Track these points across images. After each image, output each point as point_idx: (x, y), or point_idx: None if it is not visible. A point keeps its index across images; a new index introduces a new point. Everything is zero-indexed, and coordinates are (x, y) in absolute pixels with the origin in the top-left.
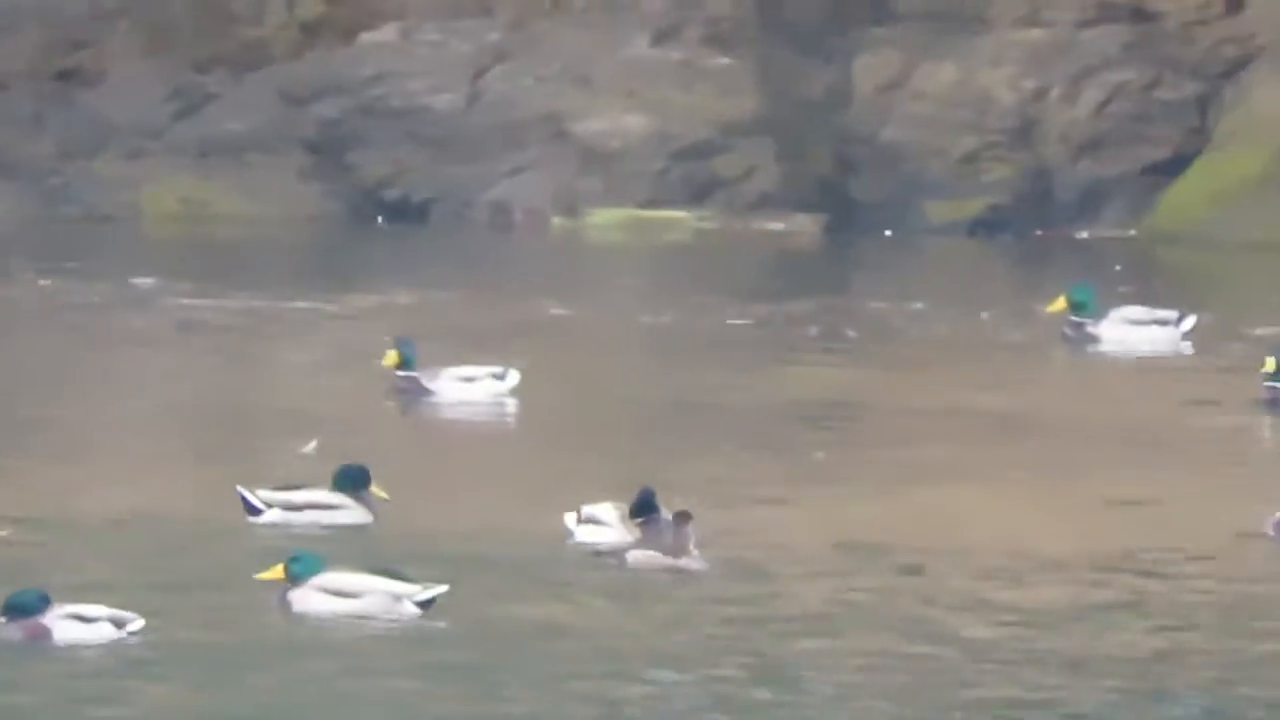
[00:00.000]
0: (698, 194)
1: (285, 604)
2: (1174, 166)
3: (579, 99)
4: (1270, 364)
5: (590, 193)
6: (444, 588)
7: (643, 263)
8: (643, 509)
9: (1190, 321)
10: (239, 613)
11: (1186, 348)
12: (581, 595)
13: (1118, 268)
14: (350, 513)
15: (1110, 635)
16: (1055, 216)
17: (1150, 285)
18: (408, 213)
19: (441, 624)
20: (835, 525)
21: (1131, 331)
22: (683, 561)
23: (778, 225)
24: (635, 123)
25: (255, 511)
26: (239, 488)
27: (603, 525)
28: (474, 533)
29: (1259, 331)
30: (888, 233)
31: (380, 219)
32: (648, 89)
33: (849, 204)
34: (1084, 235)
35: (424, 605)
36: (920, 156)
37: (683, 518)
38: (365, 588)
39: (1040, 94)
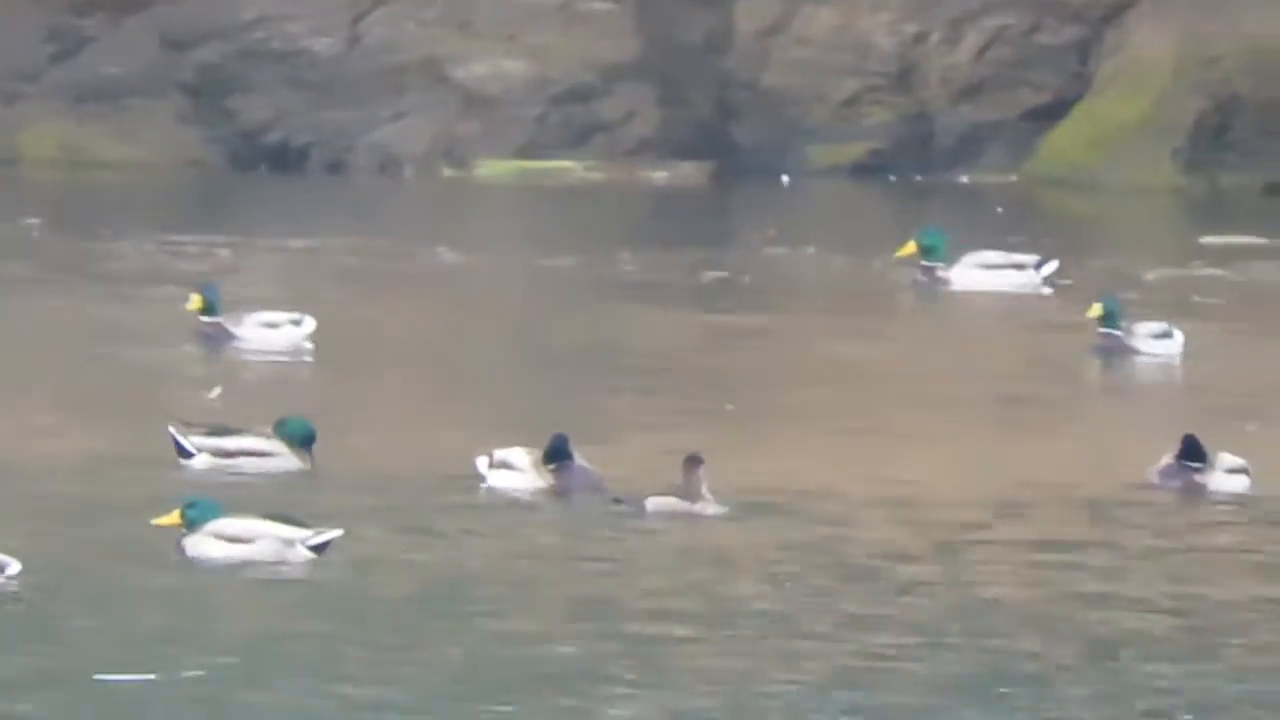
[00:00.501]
0: (578, 139)
1: (180, 550)
2: (1054, 111)
3: (459, 43)
4: (1096, 309)
5: (470, 138)
6: (338, 532)
7: (532, 210)
8: (555, 455)
9: (1052, 266)
10: (133, 558)
11: (1045, 291)
12: (491, 539)
13: (999, 210)
14: (284, 460)
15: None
16: (935, 161)
17: (1030, 229)
18: (287, 157)
19: (334, 562)
20: (742, 471)
21: (984, 276)
22: (698, 506)
23: (664, 173)
24: (515, 67)
25: (186, 455)
26: (171, 429)
27: (515, 470)
28: (395, 479)
29: (1150, 275)
30: (784, 178)
31: (263, 167)
32: (528, 33)
33: (730, 148)
34: (965, 179)
35: (317, 549)
36: (801, 101)
37: (693, 463)
38: (257, 533)
39: (920, 38)
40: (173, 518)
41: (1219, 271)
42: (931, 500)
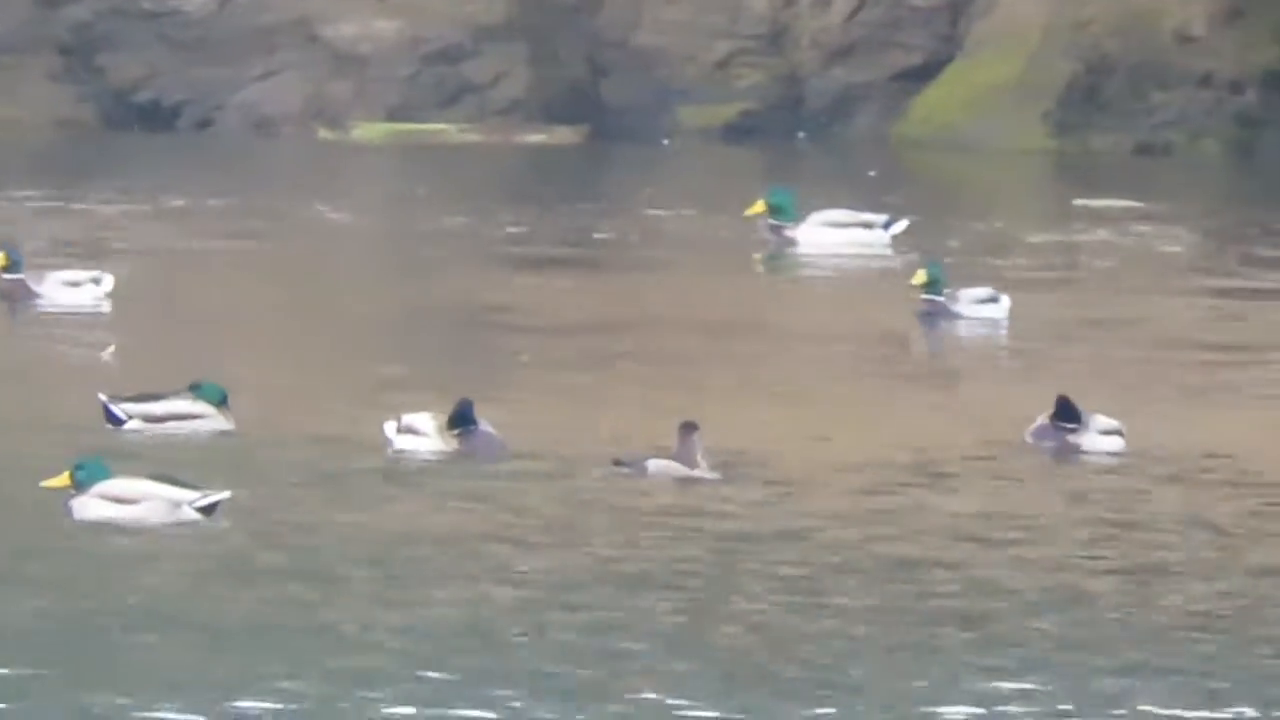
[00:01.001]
0: (449, 99)
1: (68, 510)
2: (926, 73)
3: (329, 3)
4: (920, 276)
5: (342, 98)
6: (226, 494)
7: (410, 171)
8: (460, 420)
9: (901, 225)
10: (18, 520)
11: (890, 251)
12: (398, 502)
13: (871, 173)
14: (212, 421)
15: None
16: (807, 122)
17: (904, 190)
18: (159, 116)
19: (226, 525)
20: (607, 430)
21: (831, 234)
22: (696, 472)
23: (540, 136)
24: (386, 27)
25: (117, 421)
26: (101, 397)
27: (420, 435)
28: (308, 439)
29: (1034, 238)
30: (665, 141)
31: (135, 125)
32: None
33: (601, 109)
34: (844, 138)
35: (205, 511)
36: (673, 62)
37: (688, 429)
38: (144, 494)
39: (792, 1)
40: (62, 479)
41: (1103, 234)
42: (821, 461)
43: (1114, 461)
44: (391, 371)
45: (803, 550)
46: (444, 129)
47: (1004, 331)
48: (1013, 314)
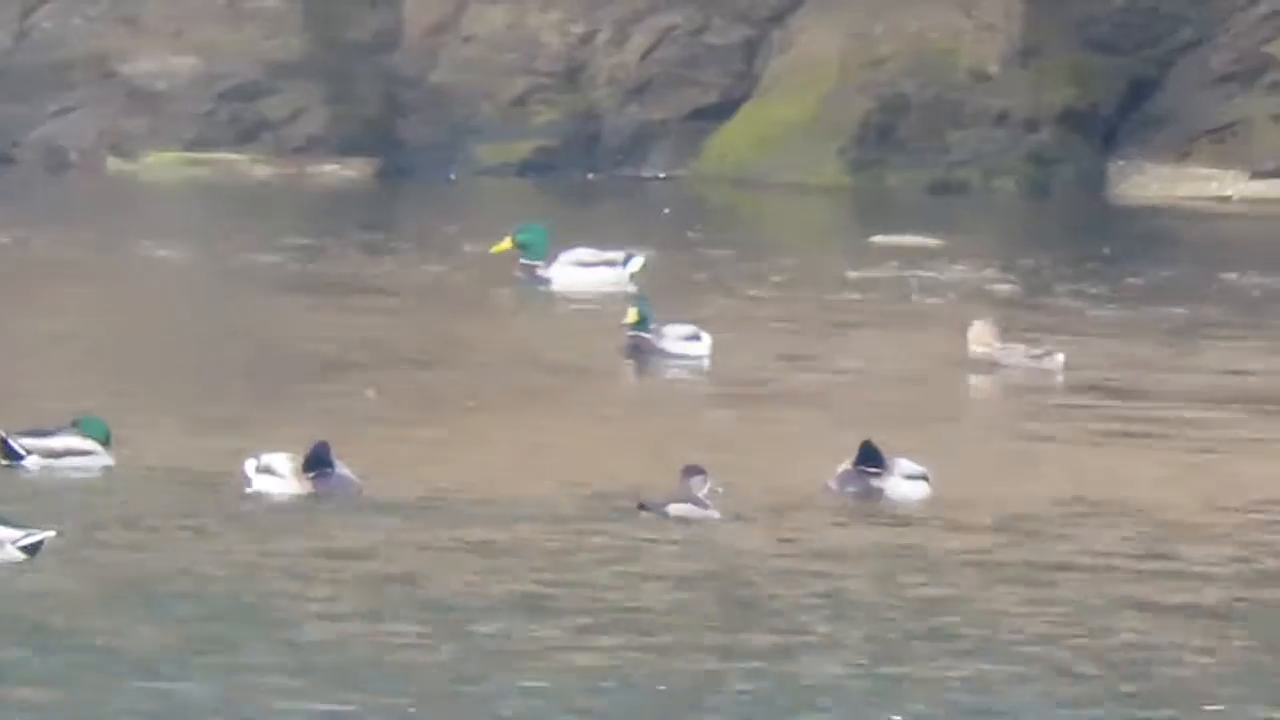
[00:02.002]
0: (245, 135)
1: None
2: (721, 111)
3: (126, 39)
4: (632, 315)
5: (138, 133)
6: (50, 533)
7: (201, 205)
8: (315, 463)
9: (637, 262)
10: None
11: (630, 287)
12: (234, 543)
13: (666, 211)
14: (101, 457)
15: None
16: (603, 159)
17: (704, 226)
18: None
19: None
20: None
21: (580, 274)
22: (706, 514)
23: (333, 167)
24: (183, 63)
25: (16, 457)
26: (1, 432)
27: (277, 475)
28: (172, 476)
29: (853, 274)
30: (451, 176)
31: None
32: (195, 29)
33: (398, 146)
34: (641, 176)
35: (29, 550)
36: (470, 99)
37: (690, 471)
38: None
39: (588, 38)
40: None
41: (927, 271)
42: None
43: (917, 507)
44: (247, 409)
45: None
46: (235, 159)
47: (704, 368)
48: (715, 351)
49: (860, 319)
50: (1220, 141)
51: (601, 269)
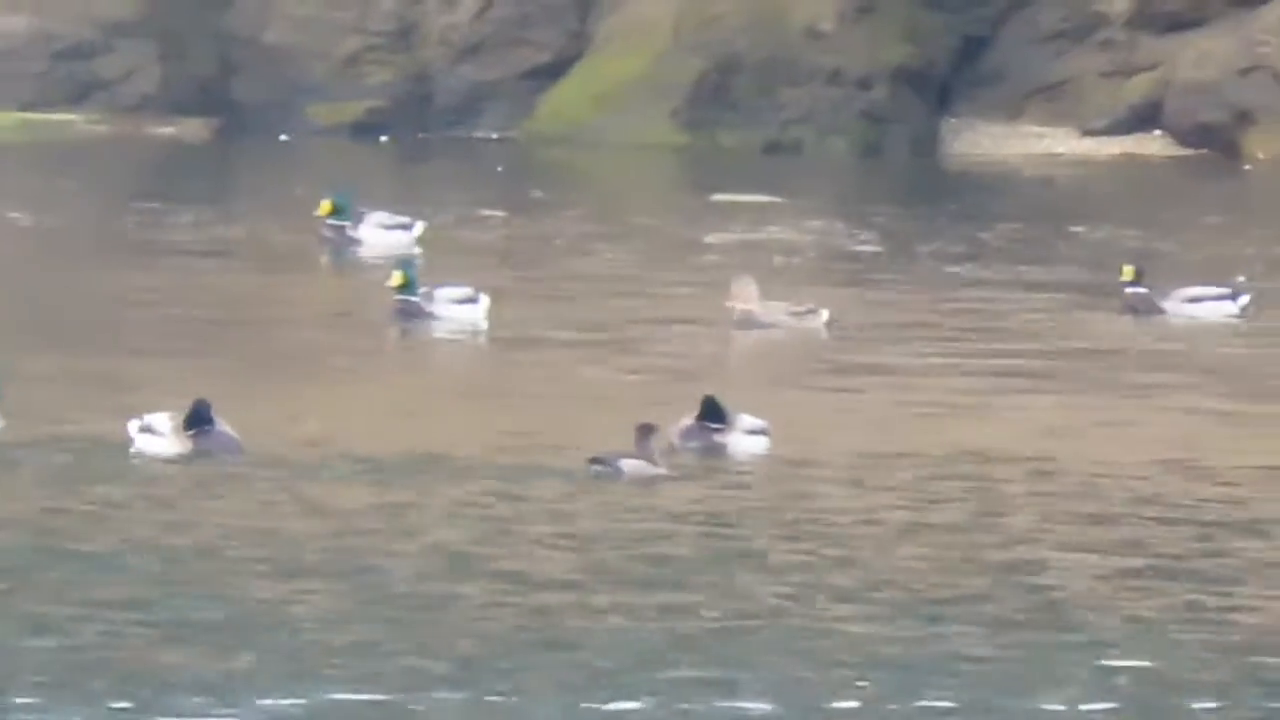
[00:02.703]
0: (79, 95)
1: None
2: (555, 70)
3: None
4: (397, 278)
5: None
6: None
7: (38, 165)
8: (195, 421)
9: (420, 227)
10: None
11: (416, 251)
12: (117, 502)
13: (499, 169)
14: None
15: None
16: (436, 119)
17: (538, 186)
18: None
19: None
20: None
21: (383, 235)
22: (662, 470)
23: (169, 129)
24: (17, 23)
25: None
26: None
27: (158, 435)
28: (57, 437)
29: (710, 238)
30: (283, 136)
31: None
32: None
33: (234, 106)
34: (474, 136)
35: None
36: (302, 59)
37: (645, 430)
38: None
39: None
40: None
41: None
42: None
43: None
44: (131, 368)
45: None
46: (71, 119)
47: (483, 331)
48: (492, 313)
49: (690, 279)
50: (1051, 99)
51: (399, 232)
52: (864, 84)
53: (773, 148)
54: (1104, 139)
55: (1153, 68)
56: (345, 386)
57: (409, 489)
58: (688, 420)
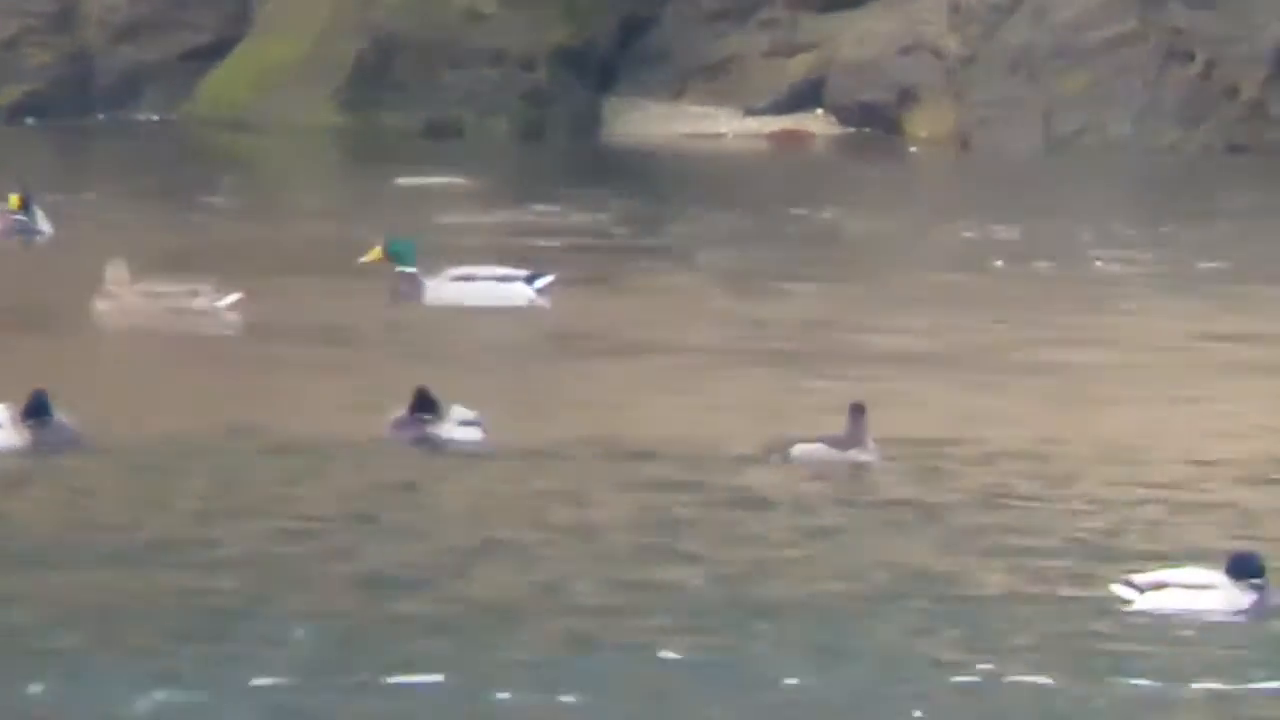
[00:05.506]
0: None
1: None
2: (215, 52)
3: None
4: (14, 201)
5: None
6: None
7: None
8: (33, 411)
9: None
10: None
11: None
12: None
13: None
14: None
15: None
16: (95, 102)
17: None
18: None
19: None
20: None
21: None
22: (852, 454)
23: None
24: None
25: None
26: None
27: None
28: None
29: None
30: None
31: None
32: None
33: None
34: (136, 118)
35: None
36: None
37: (858, 410)
38: None
39: None
40: None
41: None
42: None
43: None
44: None
45: None
46: None
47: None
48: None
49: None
50: (713, 79)
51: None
52: (525, 65)
53: (433, 129)
54: (766, 118)
55: (814, 47)
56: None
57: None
58: (401, 411)
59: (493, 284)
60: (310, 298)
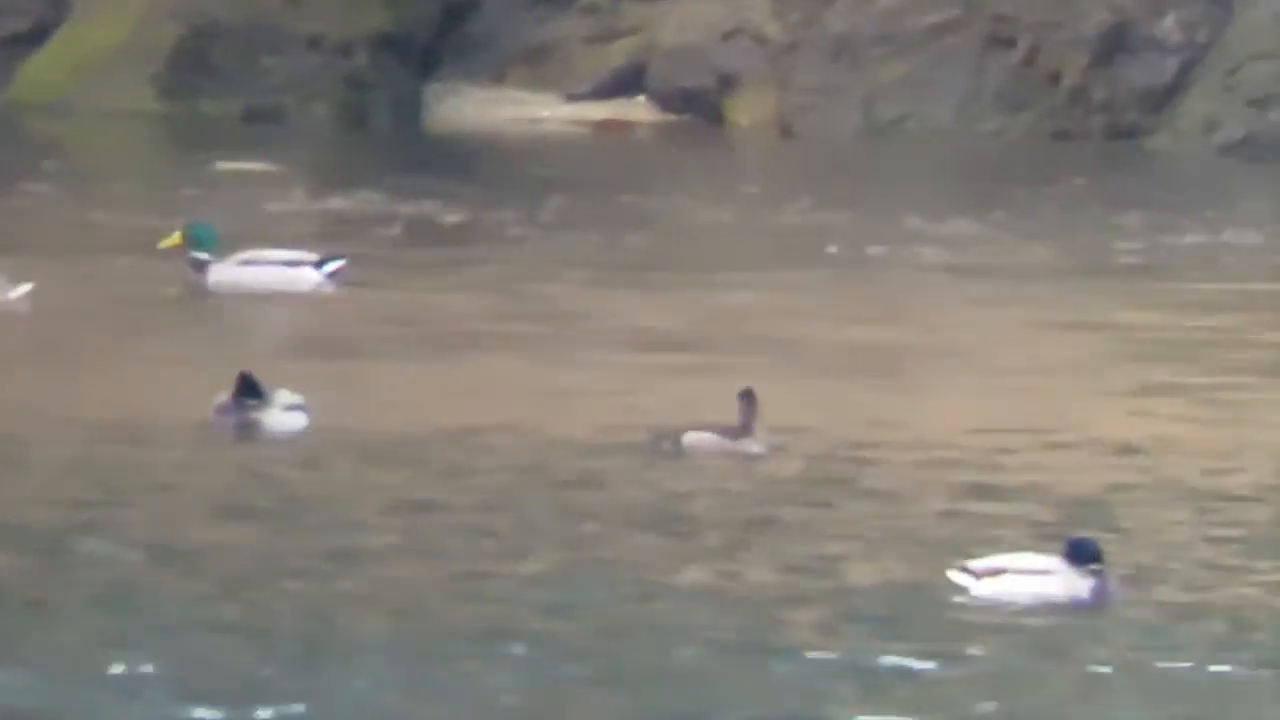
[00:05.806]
0: None
1: None
2: (35, 38)
3: None
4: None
5: None
6: None
7: None
8: None
9: None
10: None
11: None
12: None
13: None
14: None
15: None
16: None
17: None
18: None
19: None
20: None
21: None
22: (741, 444)
23: None
24: None
25: None
26: None
27: None
28: None
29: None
30: None
31: None
32: None
33: None
34: None
35: None
36: None
37: (748, 396)
38: None
39: None
40: None
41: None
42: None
43: (295, 438)
44: None
45: None
46: None
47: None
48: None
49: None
50: (535, 64)
51: None
52: (344, 50)
53: (253, 115)
54: (587, 104)
55: (636, 31)
56: None
57: None
58: (224, 396)
59: (277, 268)
60: (110, 283)
